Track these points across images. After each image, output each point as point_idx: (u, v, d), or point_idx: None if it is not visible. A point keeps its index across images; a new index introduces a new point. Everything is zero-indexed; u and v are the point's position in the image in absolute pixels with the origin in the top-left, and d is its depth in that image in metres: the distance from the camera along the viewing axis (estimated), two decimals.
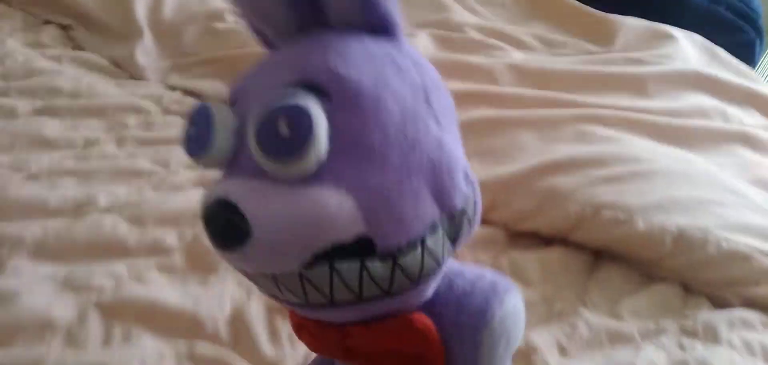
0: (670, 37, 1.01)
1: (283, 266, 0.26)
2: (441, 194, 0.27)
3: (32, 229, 0.59)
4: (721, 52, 1.04)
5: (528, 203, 0.67)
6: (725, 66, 1.00)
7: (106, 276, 0.56)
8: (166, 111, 0.80)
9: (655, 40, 1.00)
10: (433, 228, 0.27)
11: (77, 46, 0.89)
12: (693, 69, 0.93)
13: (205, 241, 0.60)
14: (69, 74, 0.80)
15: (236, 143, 0.26)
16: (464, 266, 0.32)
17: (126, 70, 0.85)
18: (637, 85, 0.88)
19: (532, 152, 0.73)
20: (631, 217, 0.63)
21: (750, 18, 1.25)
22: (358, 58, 0.26)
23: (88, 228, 0.60)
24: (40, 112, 0.74)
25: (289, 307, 0.30)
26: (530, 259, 0.65)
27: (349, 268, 0.26)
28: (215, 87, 0.83)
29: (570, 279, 0.64)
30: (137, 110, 0.78)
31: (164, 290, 0.56)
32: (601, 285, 0.64)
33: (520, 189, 0.68)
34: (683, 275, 0.63)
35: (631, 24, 1.06)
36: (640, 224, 0.63)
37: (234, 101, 0.28)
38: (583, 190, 0.66)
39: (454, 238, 0.29)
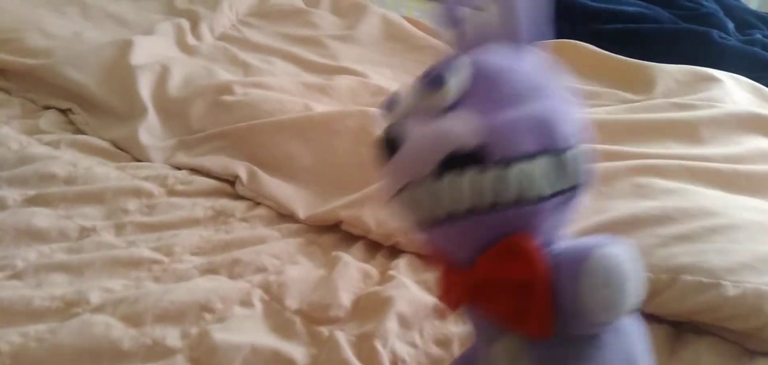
0: (714, 79, 0.93)
1: (420, 170, 0.34)
2: (544, 137, 0.35)
3: (9, 338, 0.50)
4: None
5: None
6: None
7: None
8: (171, 192, 0.72)
9: (700, 84, 0.92)
10: (531, 157, 0.34)
11: (78, 131, 0.83)
12: (747, 111, 0.85)
13: (214, 337, 0.50)
14: (65, 159, 0.73)
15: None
16: None
17: (128, 151, 0.79)
18: (689, 131, 0.79)
19: (586, 211, 0.63)
20: (717, 281, 0.53)
21: None
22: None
23: (76, 332, 0.51)
24: (31, 202, 0.67)
25: (423, 233, 0.37)
26: None
27: (466, 177, 0.33)
28: (223, 163, 0.76)
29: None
30: (139, 194, 0.70)
31: None
32: (689, 364, 0.53)
33: None
34: None
35: (669, 69, 0.98)
36: (730, 290, 0.52)
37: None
38: (654, 252, 0.57)
39: (559, 187, 0.35)
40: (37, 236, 0.63)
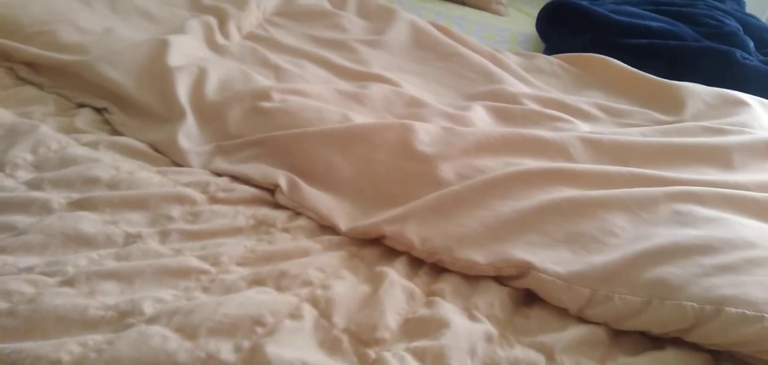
0: (743, 103, 0.94)
1: None
2: None
3: (69, 347, 0.51)
4: None
5: (633, 299, 0.58)
6: None
7: None
8: (213, 199, 0.72)
9: (729, 107, 0.93)
10: None
11: (114, 131, 0.83)
12: None
13: (266, 351, 0.50)
14: (107, 162, 0.74)
15: None
16: None
17: (167, 155, 0.79)
18: (721, 157, 0.80)
19: (628, 237, 0.64)
20: (761, 314, 0.54)
21: None
22: None
23: (134, 343, 0.52)
24: (77, 205, 0.67)
25: None
26: None
27: None
28: (263, 171, 0.77)
29: None
30: (182, 200, 0.71)
31: None
32: None
33: (622, 282, 0.60)
34: None
35: (698, 91, 0.99)
36: None
37: None
38: (697, 282, 0.58)
39: None
40: (84, 241, 0.63)
